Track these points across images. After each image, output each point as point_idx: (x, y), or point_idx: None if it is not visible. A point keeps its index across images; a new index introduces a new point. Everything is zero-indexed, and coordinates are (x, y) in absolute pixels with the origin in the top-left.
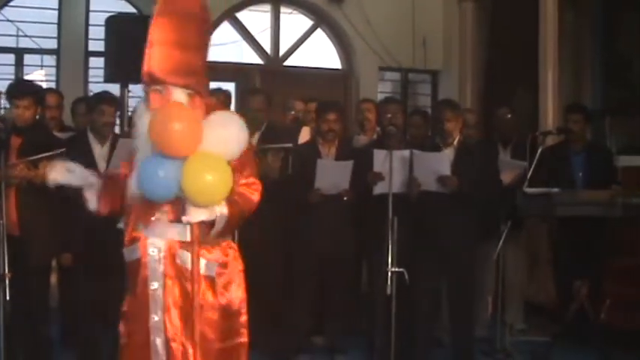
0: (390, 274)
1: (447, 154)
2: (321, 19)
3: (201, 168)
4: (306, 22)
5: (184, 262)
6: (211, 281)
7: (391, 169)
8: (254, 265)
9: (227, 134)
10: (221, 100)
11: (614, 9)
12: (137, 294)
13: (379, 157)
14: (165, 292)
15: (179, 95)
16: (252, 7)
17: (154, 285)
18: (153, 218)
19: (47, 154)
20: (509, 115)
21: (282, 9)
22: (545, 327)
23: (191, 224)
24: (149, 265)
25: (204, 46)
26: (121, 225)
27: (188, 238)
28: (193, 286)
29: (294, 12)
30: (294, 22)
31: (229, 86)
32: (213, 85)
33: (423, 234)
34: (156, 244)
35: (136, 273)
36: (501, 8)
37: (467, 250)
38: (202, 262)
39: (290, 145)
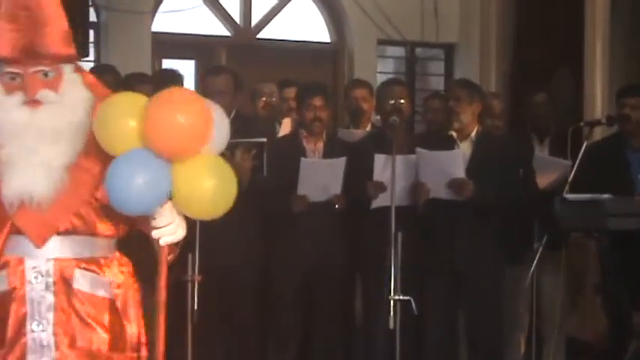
0: (393, 302)
1: (461, 151)
2: None
3: (206, 172)
4: None
5: (91, 288)
6: (112, 305)
7: (394, 176)
8: (224, 290)
9: (224, 133)
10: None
11: None
12: (7, 343)
13: (379, 162)
14: (57, 332)
15: (69, 73)
16: None
17: (36, 326)
18: (60, 229)
19: None
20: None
21: None
22: None
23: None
24: (28, 299)
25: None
26: None
27: (95, 254)
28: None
29: None
30: None
31: (188, 64)
32: (167, 63)
33: (433, 253)
34: (40, 267)
35: (5, 313)
36: None
37: (490, 273)
38: (97, 281)
39: (264, 139)
